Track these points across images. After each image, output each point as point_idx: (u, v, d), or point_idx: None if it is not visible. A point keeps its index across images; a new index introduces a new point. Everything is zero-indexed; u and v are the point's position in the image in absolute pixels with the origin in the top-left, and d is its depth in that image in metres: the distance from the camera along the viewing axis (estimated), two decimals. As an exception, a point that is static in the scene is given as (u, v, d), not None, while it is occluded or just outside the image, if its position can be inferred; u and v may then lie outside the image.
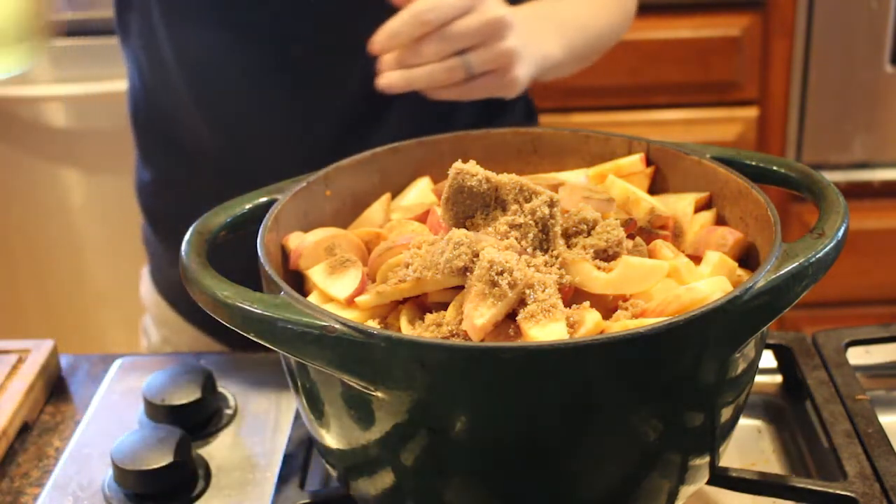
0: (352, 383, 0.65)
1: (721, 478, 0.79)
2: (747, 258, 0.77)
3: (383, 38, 0.91)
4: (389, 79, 0.92)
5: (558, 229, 0.72)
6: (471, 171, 0.73)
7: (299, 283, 0.78)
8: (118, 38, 1.16)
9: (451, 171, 0.73)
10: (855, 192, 1.94)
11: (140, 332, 1.32)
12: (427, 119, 1.07)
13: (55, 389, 0.99)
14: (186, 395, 0.90)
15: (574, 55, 1.08)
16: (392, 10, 0.92)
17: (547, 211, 0.70)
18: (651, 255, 0.74)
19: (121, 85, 1.29)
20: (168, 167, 1.17)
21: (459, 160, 0.74)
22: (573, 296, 0.69)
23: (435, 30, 0.91)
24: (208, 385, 0.91)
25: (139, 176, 1.21)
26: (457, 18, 0.91)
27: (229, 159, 1.12)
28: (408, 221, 0.81)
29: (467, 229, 0.72)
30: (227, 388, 0.95)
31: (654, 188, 0.85)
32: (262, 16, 1.06)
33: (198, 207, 1.03)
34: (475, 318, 0.65)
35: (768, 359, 0.95)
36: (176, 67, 1.09)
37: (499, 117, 1.17)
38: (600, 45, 1.17)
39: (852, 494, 0.77)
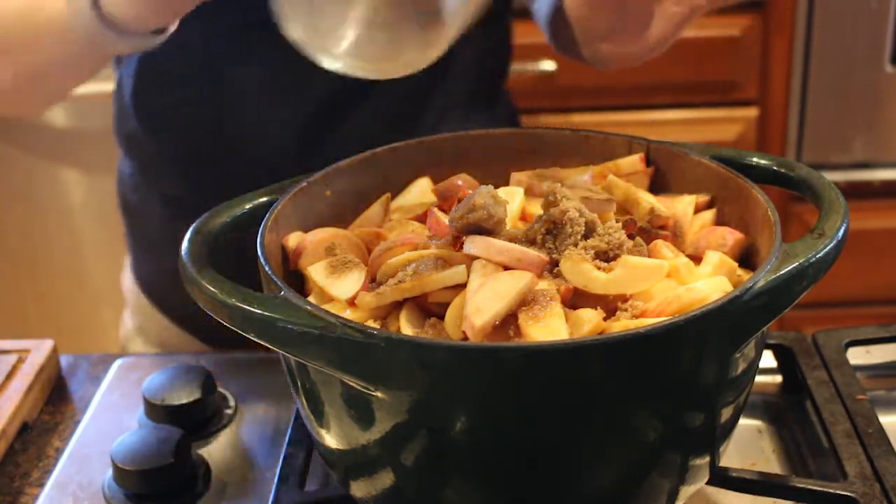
0: (352, 383, 0.65)
1: (721, 478, 0.79)
2: (747, 258, 0.77)
3: None
4: None
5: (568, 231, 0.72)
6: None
7: (299, 283, 0.78)
8: None
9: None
10: (855, 192, 1.94)
11: (119, 323, 1.34)
12: (396, 121, 1.06)
13: (55, 389, 0.99)
14: (186, 395, 0.90)
15: None
16: None
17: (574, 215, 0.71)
18: (651, 255, 0.74)
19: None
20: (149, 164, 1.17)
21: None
22: (573, 296, 0.70)
23: None
24: (208, 385, 0.91)
25: (120, 167, 1.22)
26: None
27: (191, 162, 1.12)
28: (408, 221, 0.81)
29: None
30: (227, 388, 0.95)
31: (654, 188, 0.85)
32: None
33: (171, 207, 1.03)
34: (475, 318, 0.65)
35: (768, 359, 0.95)
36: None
37: (478, 112, 1.15)
38: None
39: (852, 494, 0.77)
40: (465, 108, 1.13)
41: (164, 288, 1.22)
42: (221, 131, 1.10)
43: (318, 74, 1.03)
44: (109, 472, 0.84)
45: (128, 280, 1.29)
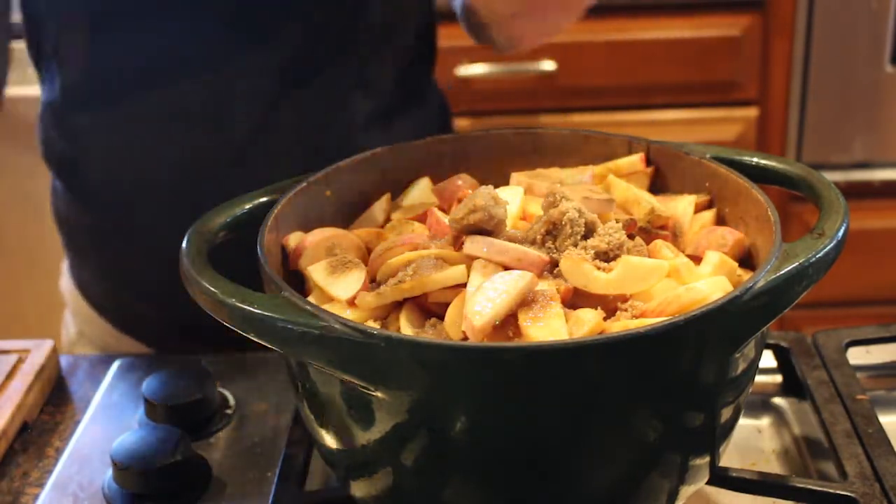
0: (352, 383, 0.65)
1: (721, 478, 0.79)
2: (747, 258, 0.78)
3: None
4: None
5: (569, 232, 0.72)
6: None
7: (299, 283, 0.78)
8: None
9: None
10: (855, 192, 1.94)
11: (62, 326, 1.31)
12: (317, 127, 1.06)
13: (55, 389, 0.99)
14: (186, 395, 0.90)
15: None
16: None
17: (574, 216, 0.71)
18: (651, 255, 0.74)
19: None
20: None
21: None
22: (573, 296, 0.70)
23: None
24: (208, 385, 0.91)
25: (53, 182, 1.18)
26: None
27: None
28: (408, 221, 0.81)
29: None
30: (227, 388, 0.95)
31: (654, 188, 0.85)
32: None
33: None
34: (475, 318, 0.65)
35: (768, 359, 0.95)
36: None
37: (403, 118, 1.14)
38: None
39: (852, 494, 0.77)
40: (387, 114, 1.12)
41: (101, 292, 1.20)
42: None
43: (242, 96, 1.02)
44: (109, 472, 0.84)
45: (66, 282, 1.26)
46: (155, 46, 1.03)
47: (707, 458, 0.73)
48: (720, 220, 0.81)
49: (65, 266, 1.27)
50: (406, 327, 0.69)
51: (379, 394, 0.64)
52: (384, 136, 1.07)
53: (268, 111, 1.04)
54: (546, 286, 0.69)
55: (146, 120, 1.05)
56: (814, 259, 0.67)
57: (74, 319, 1.26)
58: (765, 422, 0.92)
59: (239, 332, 0.67)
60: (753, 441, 0.90)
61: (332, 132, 1.08)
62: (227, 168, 1.04)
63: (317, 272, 0.74)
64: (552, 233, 0.73)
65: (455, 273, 0.69)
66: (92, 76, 1.06)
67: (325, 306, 0.70)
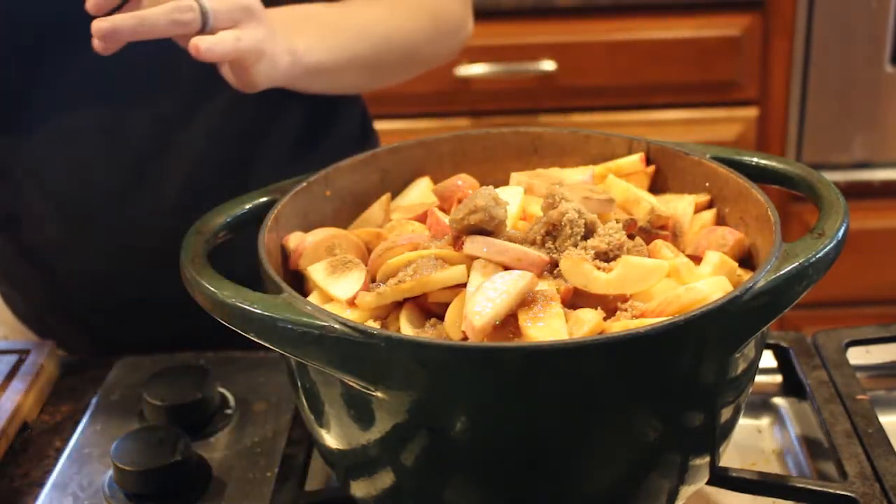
0: (352, 383, 0.65)
1: (721, 478, 0.79)
2: (747, 258, 0.77)
3: None
4: (112, 22, 0.79)
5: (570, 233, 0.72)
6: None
7: (299, 283, 0.78)
8: None
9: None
10: (855, 192, 1.94)
11: None
12: (232, 138, 1.05)
13: (55, 389, 0.99)
14: (186, 395, 0.90)
15: (351, 60, 1.00)
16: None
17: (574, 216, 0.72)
18: (651, 255, 0.74)
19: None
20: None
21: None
22: (573, 296, 0.70)
23: None
24: (208, 385, 0.91)
25: None
26: None
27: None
28: (408, 221, 0.81)
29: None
30: (227, 388, 0.95)
31: (654, 188, 0.85)
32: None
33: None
34: (475, 318, 0.65)
35: (768, 359, 0.95)
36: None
37: (326, 131, 1.13)
38: (398, 55, 1.07)
39: (852, 494, 0.77)
40: (299, 142, 1.11)
41: (20, 302, 1.19)
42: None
43: (143, 122, 1.01)
44: (109, 472, 0.84)
45: None
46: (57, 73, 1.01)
47: (707, 458, 0.73)
48: (720, 220, 0.81)
49: None
50: (406, 327, 0.69)
51: (379, 394, 0.64)
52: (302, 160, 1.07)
53: (170, 131, 1.03)
54: (546, 286, 0.69)
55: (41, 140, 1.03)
56: (814, 259, 0.67)
57: None
58: (765, 422, 0.92)
59: (239, 332, 0.67)
60: (753, 441, 0.90)
61: (245, 155, 1.07)
62: (130, 195, 1.03)
63: (317, 272, 0.74)
64: (552, 234, 0.73)
65: (455, 273, 0.69)
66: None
67: (325, 306, 0.70)
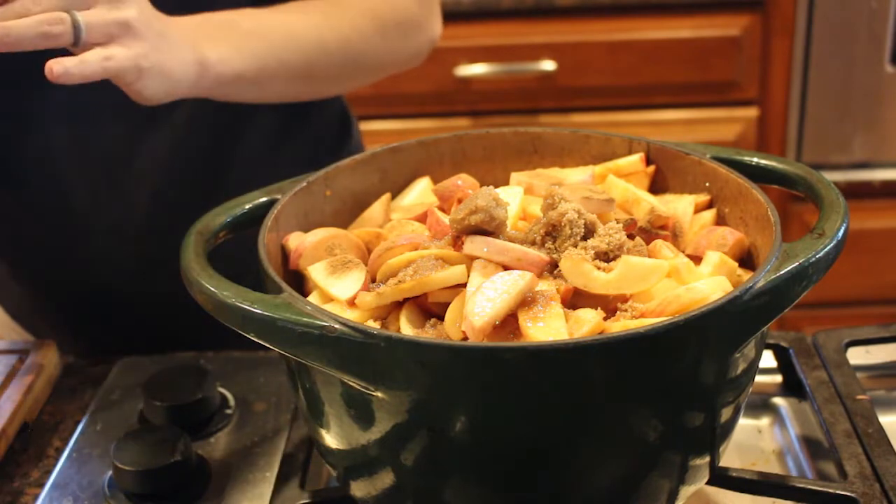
0: (352, 383, 0.65)
1: (721, 478, 0.79)
2: (747, 258, 0.77)
3: None
4: None
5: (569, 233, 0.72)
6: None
7: (299, 283, 0.78)
8: None
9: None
10: (855, 192, 1.94)
11: None
12: (205, 139, 1.04)
13: (55, 389, 0.99)
14: (186, 395, 0.90)
15: (277, 69, 0.95)
16: None
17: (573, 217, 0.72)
18: (651, 255, 0.74)
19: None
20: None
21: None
22: (573, 296, 0.70)
23: None
24: (208, 385, 0.91)
25: None
26: None
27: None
28: (408, 221, 0.81)
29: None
30: (227, 388, 0.95)
31: (654, 188, 0.85)
32: None
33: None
34: (475, 318, 0.65)
35: (768, 359, 0.95)
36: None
37: (301, 128, 1.11)
38: (338, 62, 1.01)
39: (852, 494, 0.77)
40: (275, 139, 1.10)
41: (10, 302, 1.20)
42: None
43: (115, 129, 1.00)
44: (109, 472, 0.84)
45: None
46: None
47: (707, 458, 0.73)
48: (720, 220, 0.81)
49: None
50: (406, 327, 0.69)
51: (379, 394, 0.64)
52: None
53: (140, 138, 1.02)
54: (546, 286, 0.69)
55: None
56: (814, 259, 0.67)
57: None
58: (765, 422, 0.92)
59: (239, 332, 0.67)
60: (753, 441, 0.90)
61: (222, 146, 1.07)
62: (97, 210, 1.04)
63: (317, 272, 0.74)
64: (552, 234, 0.73)
65: (455, 273, 0.69)
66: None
67: (325, 306, 0.70)
